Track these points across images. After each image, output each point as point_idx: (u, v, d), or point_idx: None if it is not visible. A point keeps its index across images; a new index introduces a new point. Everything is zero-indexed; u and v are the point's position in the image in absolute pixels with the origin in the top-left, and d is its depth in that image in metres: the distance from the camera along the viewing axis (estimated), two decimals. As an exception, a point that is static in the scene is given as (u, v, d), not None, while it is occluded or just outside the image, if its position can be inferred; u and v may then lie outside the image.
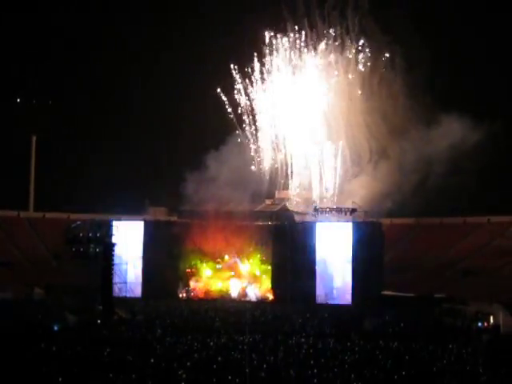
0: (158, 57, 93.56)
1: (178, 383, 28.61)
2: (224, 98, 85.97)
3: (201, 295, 73.57)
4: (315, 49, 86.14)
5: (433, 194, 74.83)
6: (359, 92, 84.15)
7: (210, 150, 79.76)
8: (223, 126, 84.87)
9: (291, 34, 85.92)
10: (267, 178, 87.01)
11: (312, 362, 32.65)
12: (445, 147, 74.93)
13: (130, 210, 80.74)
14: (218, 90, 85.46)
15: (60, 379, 28.51)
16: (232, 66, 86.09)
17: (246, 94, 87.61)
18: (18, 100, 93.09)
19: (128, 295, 70.20)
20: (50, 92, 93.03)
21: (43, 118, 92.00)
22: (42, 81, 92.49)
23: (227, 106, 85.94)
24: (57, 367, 30.64)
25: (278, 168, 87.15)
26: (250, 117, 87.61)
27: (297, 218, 77.20)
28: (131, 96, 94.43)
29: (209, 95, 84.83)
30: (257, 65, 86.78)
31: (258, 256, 75.44)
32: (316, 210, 74.17)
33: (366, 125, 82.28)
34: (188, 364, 32.34)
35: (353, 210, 71.85)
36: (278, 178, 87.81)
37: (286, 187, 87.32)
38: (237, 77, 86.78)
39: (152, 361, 33.21)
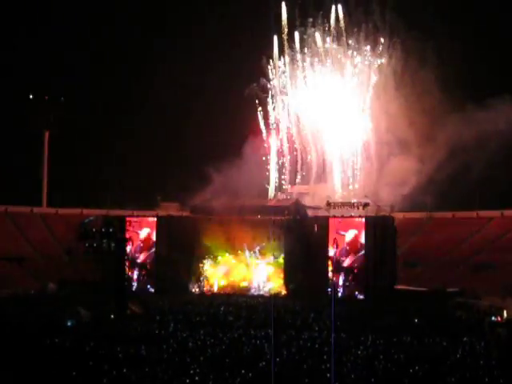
0: (173, 51, 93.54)
1: (190, 377, 28.68)
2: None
3: (213, 290, 73.67)
4: (348, 45, 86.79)
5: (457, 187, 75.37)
6: (394, 87, 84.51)
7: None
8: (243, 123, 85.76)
9: (321, 29, 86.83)
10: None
11: (325, 357, 32.67)
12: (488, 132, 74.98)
13: (142, 206, 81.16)
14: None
15: (74, 374, 28.64)
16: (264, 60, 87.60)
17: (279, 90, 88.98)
18: (31, 96, 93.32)
19: (141, 290, 70.55)
20: (63, 88, 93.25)
21: (56, 114, 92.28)
22: (55, 77, 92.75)
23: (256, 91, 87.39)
24: (70, 362, 30.79)
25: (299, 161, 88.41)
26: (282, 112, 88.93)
27: (309, 213, 77.18)
28: (144, 92, 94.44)
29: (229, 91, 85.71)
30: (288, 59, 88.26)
31: (271, 251, 75.34)
32: (329, 204, 74.14)
33: (405, 115, 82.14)
34: (201, 358, 32.43)
35: (365, 205, 71.79)
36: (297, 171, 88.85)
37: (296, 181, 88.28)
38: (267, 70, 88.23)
39: (165, 355, 33.32)
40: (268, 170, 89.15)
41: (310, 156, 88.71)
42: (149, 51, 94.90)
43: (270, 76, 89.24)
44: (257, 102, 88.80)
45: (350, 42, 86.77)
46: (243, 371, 29.46)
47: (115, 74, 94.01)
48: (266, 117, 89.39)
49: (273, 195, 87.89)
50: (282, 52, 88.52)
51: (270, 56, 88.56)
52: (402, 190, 77.37)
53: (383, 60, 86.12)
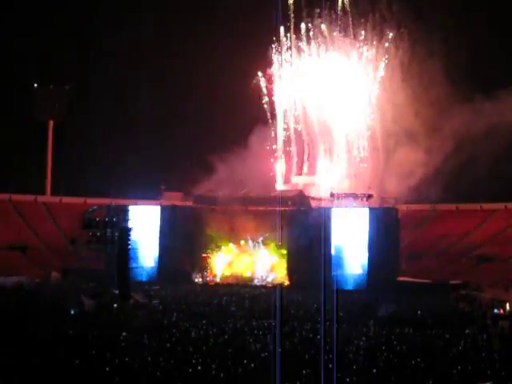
0: (177, 42, 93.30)
1: (193, 367, 28.75)
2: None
3: (216, 280, 73.79)
4: (355, 36, 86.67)
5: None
6: (400, 78, 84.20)
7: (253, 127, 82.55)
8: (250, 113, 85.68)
9: (327, 19, 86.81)
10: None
11: (327, 348, 32.69)
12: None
13: (146, 195, 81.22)
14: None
15: (77, 362, 28.73)
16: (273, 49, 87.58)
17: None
18: (35, 85, 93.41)
19: (144, 280, 70.72)
20: (67, 77, 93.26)
21: (60, 103, 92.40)
22: (59, 66, 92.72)
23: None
24: (73, 350, 30.86)
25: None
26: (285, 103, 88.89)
27: (313, 204, 77.20)
28: (149, 81, 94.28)
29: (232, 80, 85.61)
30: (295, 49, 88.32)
31: (274, 241, 75.41)
32: (332, 195, 74.16)
33: (411, 106, 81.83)
34: (203, 348, 32.50)
35: (369, 196, 71.84)
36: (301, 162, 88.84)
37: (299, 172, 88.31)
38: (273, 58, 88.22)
39: (168, 345, 33.39)
40: (274, 161, 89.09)
41: (319, 147, 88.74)
42: (153, 36, 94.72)
43: (277, 66, 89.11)
44: (263, 90, 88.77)
45: (356, 32, 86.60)
46: (245, 361, 29.52)
47: (119, 61, 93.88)
48: (272, 106, 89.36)
49: (277, 185, 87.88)
50: (288, 42, 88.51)
51: (277, 46, 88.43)
52: (409, 182, 77.29)
53: (390, 51, 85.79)
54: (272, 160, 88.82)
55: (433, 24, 78.58)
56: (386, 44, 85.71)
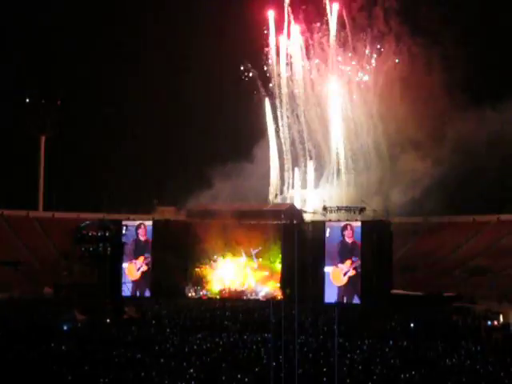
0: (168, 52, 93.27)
1: (187, 382, 28.63)
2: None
3: (210, 294, 73.64)
4: (354, 49, 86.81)
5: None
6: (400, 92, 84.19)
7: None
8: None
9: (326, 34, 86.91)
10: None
11: (321, 362, 32.64)
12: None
13: (138, 210, 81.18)
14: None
15: (70, 378, 28.59)
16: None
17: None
18: (27, 100, 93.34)
19: (137, 295, 70.57)
20: (59, 92, 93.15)
21: (52, 118, 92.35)
22: (51, 81, 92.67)
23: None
24: (66, 366, 30.71)
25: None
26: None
27: (306, 217, 77.21)
28: (140, 96, 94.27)
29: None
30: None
31: (267, 255, 75.36)
32: (325, 209, 74.24)
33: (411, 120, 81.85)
34: (197, 363, 32.38)
35: (362, 209, 71.89)
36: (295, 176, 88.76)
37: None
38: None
39: (161, 360, 33.26)
40: (273, 173, 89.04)
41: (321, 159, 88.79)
42: (150, 44, 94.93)
43: (277, 81, 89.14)
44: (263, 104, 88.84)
45: (355, 46, 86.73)
46: (239, 375, 29.42)
47: (111, 73, 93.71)
48: (275, 120, 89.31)
49: (272, 199, 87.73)
50: (287, 57, 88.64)
51: (277, 60, 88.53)
52: (411, 193, 77.67)
53: (389, 64, 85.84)
54: (271, 173, 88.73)
55: (431, 37, 79.02)
56: (385, 54, 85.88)
